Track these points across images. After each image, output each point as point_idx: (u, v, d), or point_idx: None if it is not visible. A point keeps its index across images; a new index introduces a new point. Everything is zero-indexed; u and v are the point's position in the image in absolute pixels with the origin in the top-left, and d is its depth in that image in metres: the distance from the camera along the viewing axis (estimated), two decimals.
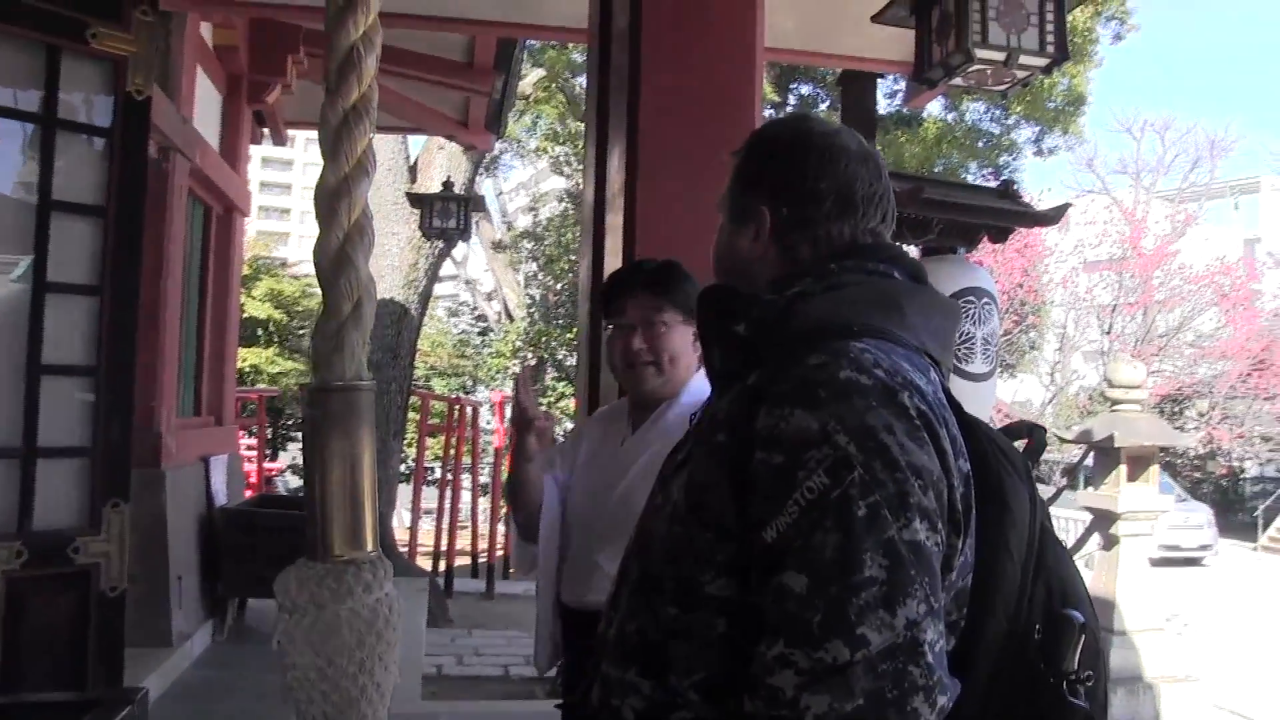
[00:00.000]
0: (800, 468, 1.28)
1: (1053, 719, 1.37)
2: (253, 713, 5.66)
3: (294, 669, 1.76)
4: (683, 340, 2.76)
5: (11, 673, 3.72)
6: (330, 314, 1.88)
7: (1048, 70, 4.27)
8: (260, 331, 20.32)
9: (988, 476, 1.42)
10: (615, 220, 4.13)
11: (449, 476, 13.29)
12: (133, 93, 4.01)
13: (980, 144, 20.82)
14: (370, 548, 1.80)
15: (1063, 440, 9.03)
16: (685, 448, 1.53)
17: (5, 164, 3.99)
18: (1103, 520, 6.86)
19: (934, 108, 19.94)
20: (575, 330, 19.22)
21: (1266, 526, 26.45)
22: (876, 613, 1.21)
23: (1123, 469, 6.73)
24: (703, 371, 2.72)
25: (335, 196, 1.91)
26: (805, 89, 20.62)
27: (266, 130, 9.85)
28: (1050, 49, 4.13)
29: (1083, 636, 1.39)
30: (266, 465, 14.66)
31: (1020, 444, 1.55)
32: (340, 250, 1.90)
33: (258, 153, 9.33)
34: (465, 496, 13.99)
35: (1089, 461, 7.43)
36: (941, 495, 1.30)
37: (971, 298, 4.46)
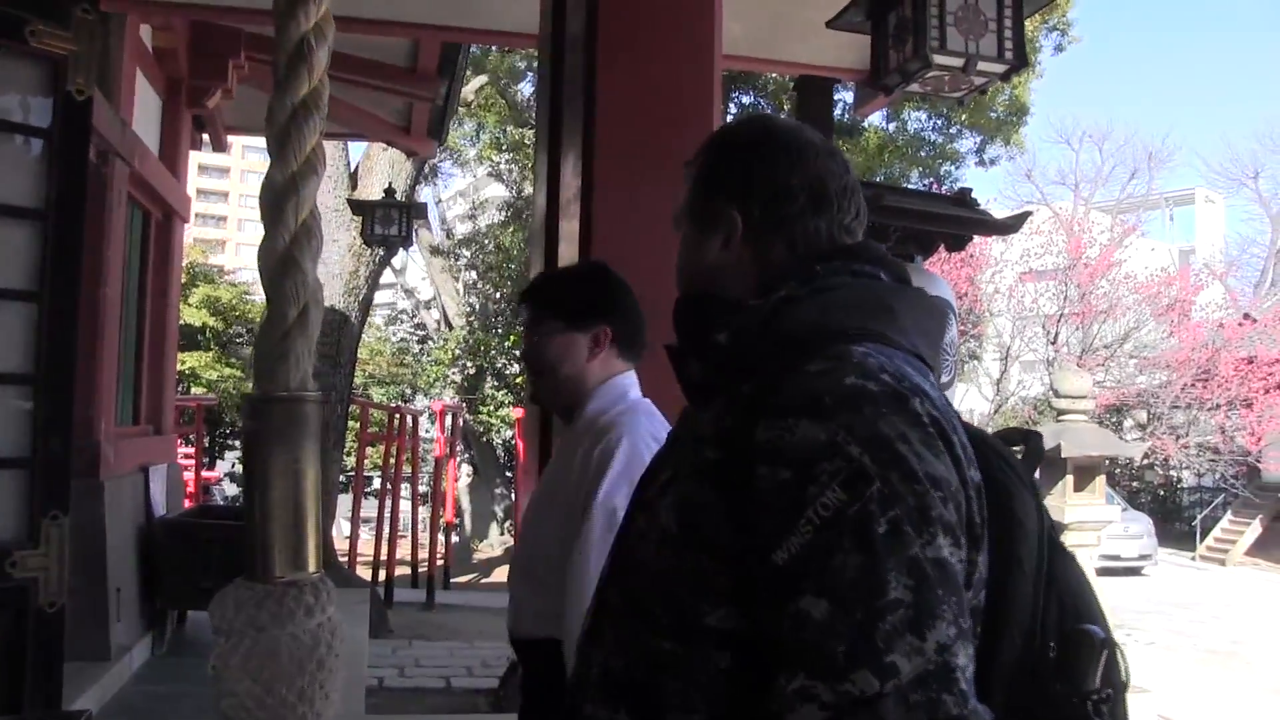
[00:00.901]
0: (811, 483, 1.17)
1: None
2: None
3: (230, 696, 1.67)
4: (565, 348, 2.63)
5: None
6: (274, 320, 1.78)
7: (1006, 77, 4.26)
8: (198, 338, 20.09)
9: (995, 487, 1.33)
10: (570, 228, 4.06)
11: (389, 486, 13.21)
12: (73, 93, 3.88)
13: (922, 153, 21.04)
14: (313, 569, 1.71)
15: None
16: (667, 467, 1.42)
17: None
18: None
19: (875, 118, 20.16)
20: (515, 338, 19.16)
21: (1204, 536, 26.93)
22: (905, 638, 1.10)
23: (1069, 480, 6.76)
24: (618, 381, 2.64)
25: (282, 196, 1.81)
26: (746, 99, 20.69)
27: (206, 136, 9.73)
28: (1008, 55, 4.12)
29: (1104, 652, 1.30)
30: (204, 474, 14.47)
31: (1015, 450, 1.47)
32: (286, 253, 1.80)
33: (195, 159, 9.19)
34: (405, 506, 13.89)
35: (1035, 473, 7.49)
36: (960, 507, 1.21)
37: None
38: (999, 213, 5.18)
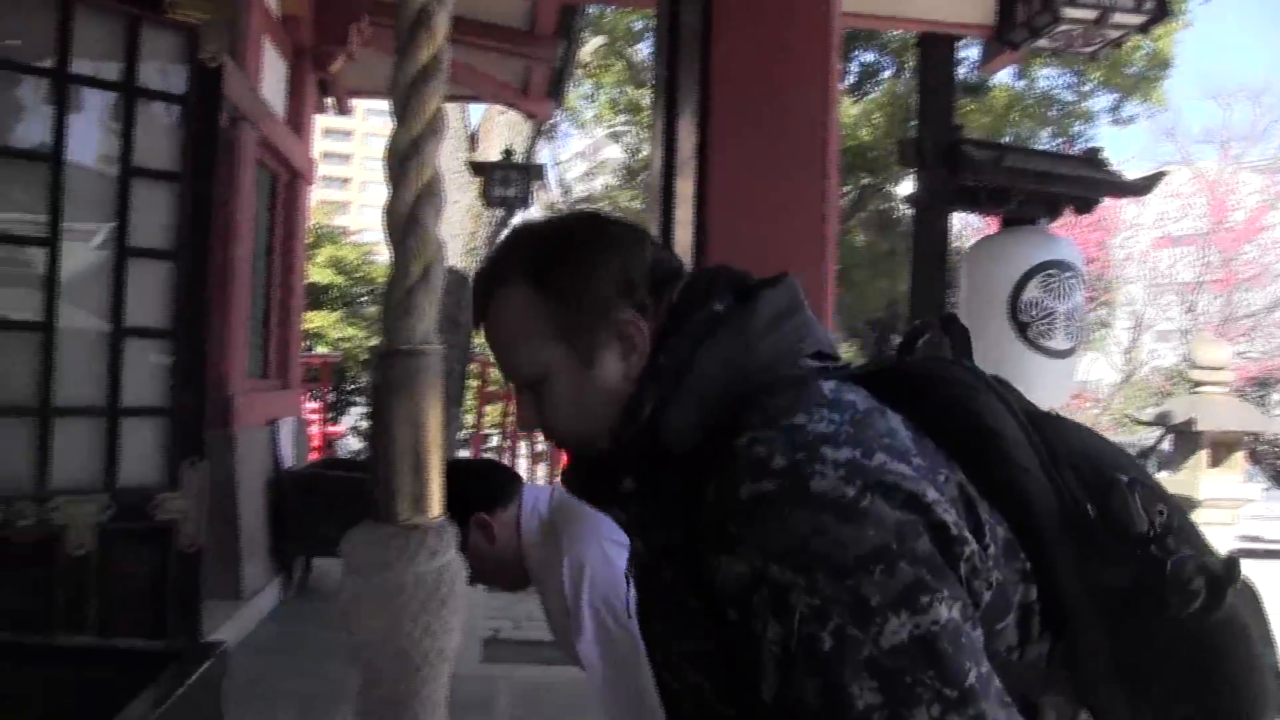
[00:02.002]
0: (755, 618, 1.15)
1: (1166, 585, 1.22)
2: (320, 669, 5.75)
3: (358, 631, 1.76)
4: (475, 557, 2.60)
5: (102, 618, 3.87)
6: (399, 277, 1.87)
7: (1144, 29, 4.04)
8: (323, 297, 20.51)
9: (959, 413, 1.30)
10: (685, 187, 4.09)
11: (507, 443, 13.36)
12: (206, 61, 4.07)
13: (1053, 112, 20.16)
14: (436, 513, 1.81)
15: (1137, 423, 8.76)
16: (656, 615, 1.38)
17: (88, 132, 4.08)
18: None
19: (1003, 76, 19.44)
20: None
21: None
22: None
23: (1204, 454, 6.49)
24: (526, 518, 2.56)
25: (405, 158, 1.89)
26: (868, 56, 20.33)
27: (330, 99, 9.92)
28: (1147, 5, 3.91)
29: (1135, 490, 1.26)
30: (329, 429, 14.82)
31: (926, 341, 1.43)
32: (410, 212, 1.88)
33: (320, 123, 9.40)
34: (523, 464, 14.07)
35: (1165, 446, 7.18)
36: (916, 550, 1.13)
37: (1053, 270, 4.29)
38: (1134, 174, 4.99)
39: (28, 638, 2.84)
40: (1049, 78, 19.93)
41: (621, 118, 21.80)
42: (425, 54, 1.89)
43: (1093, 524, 1.24)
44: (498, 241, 1.45)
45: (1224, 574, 1.22)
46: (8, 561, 3.71)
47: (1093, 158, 4.69)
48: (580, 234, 1.40)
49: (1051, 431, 1.32)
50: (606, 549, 2.38)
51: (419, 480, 1.79)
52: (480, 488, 2.60)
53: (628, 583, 1.50)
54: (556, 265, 1.37)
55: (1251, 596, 1.34)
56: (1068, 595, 1.24)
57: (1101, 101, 20.39)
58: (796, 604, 1.11)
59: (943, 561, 1.14)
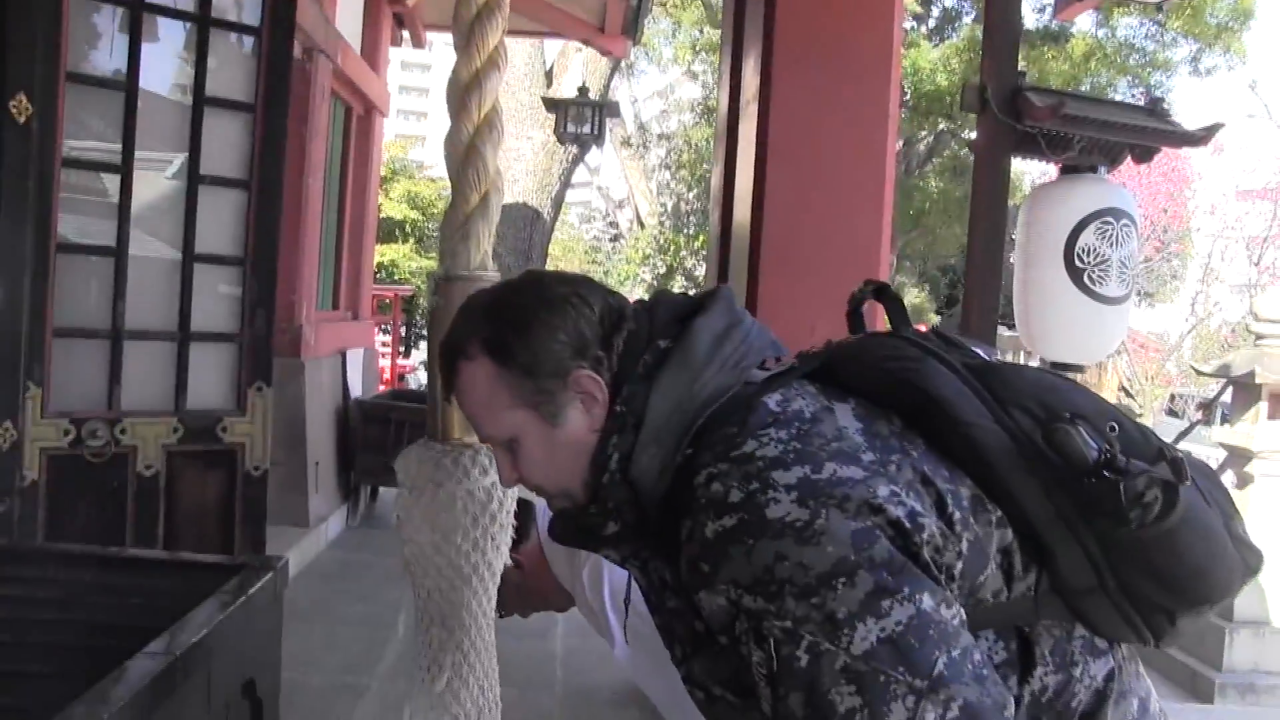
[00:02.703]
0: (741, 644, 1.25)
1: (1124, 505, 1.29)
2: (383, 594, 5.91)
3: (411, 543, 1.84)
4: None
5: (170, 536, 4.01)
6: (457, 205, 1.93)
7: None
8: (397, 232, 20.66)
9: (905, 388, 1.37)
10: (748, 127, 4.11)
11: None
12: None
13: (1131, 61, 19.88)
14: None
15: (1199, 373, 8.65)
16: (675, 639, 1.45)
17: (163, 62, 4.15)
18: (1237, 459, 6.58)
19: (1084, 23, 19.14)
20: (703, 238, 19.18)
21: None
22: None
23: (1263, 406, 6.44)
24: None
25: (467, 91, 1.95)
26: (949, 0, 20.04)
27: (406, 33, 9.95)
28: None
29: (1076, 424, 1.33)
30: (400, 362, 14.98)
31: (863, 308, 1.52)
32: (469, 143, 1.94)
33: (396, 56, 9.45)
34: None
35: (1226, 398, 7.10)
36: (875, 555, 1.21)
37: (1110, 218, 4.32)
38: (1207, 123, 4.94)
39: (100, 548, 2.96)
40: (1129, 27, 19.60)
41: (699, 56, 21.66)
42: None
43: (1048, 458, 1.32)
44: (455, 317, 1.50)
45: (1175, 476, 1.30)
46: (81, 478, 3.83)
47: (1154, 108, 4.68)
48: (530, 304, 1.44)
49: (995, 380, 1.38)
50: None
51: None
52: None
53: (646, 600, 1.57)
54: (512, 339, 1.41)
55: (1205, 477, 1.42)
56: (1041, 526, 1.33)
57: (1181, 51, 20.08)
58: (770, 630, 1.21)
59: (903, 558, 1.22)
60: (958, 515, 1.29)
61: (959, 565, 1.28)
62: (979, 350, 1.46)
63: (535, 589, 2.64)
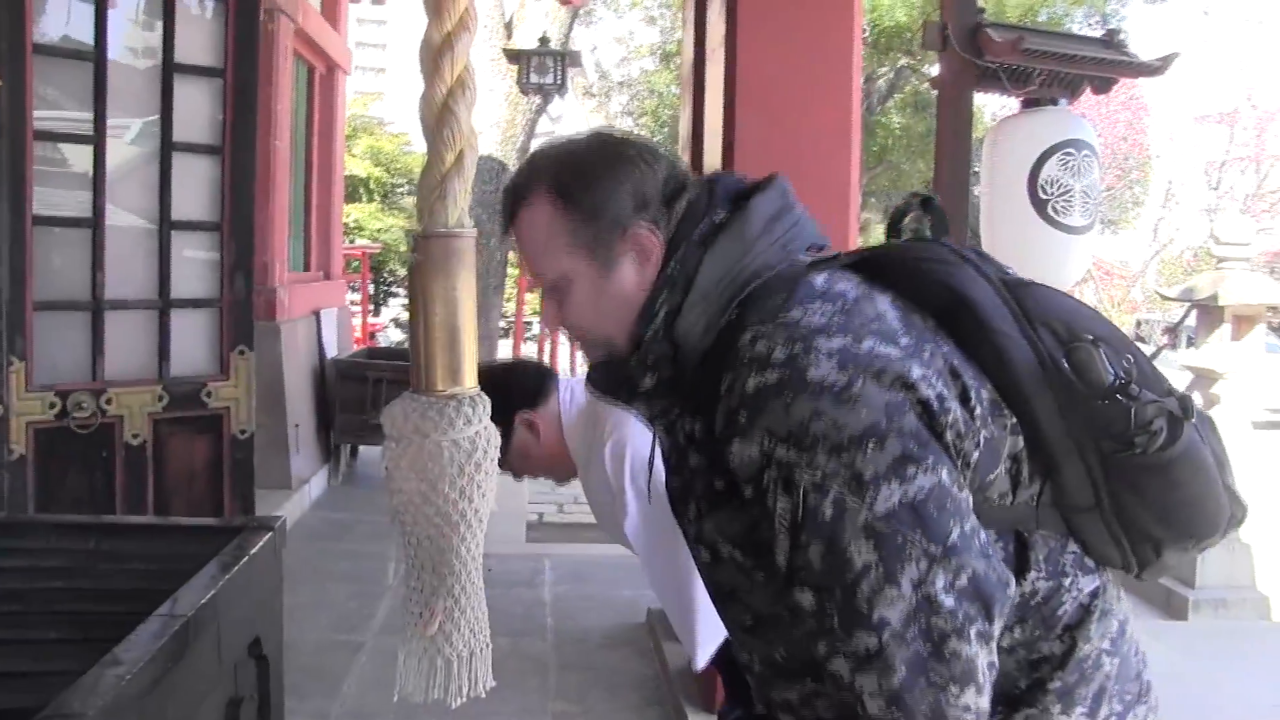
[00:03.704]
0: (766, 494, 1.31)
1: (1131, 429, 1.38)
2: (368, 551, 6.00)
3: (399, 493, 1.89)
4: (520, 448, 2.71)
5: (160, 503, 4.06)
6: (433, 164, 1.97)
7: None
8: (361, 189, 20.55)
9: (941, 288, 1.43)
10: (715, 73, 4.14)
11: (547, 331, 13.46)
12: None
13: None
14: (470, 384, 1.91)
15: (1163, 298, 8.76)
16: (689, 497, 1.51)
17: (129, 30, 4.15)
18: (1203, 380, 6.66)
19: None
20: None
21: None
22: (883, 593, 1.25)
23: (1226, 328, 6.54)
24: (565, 406, 2.72)
25: (439, 53, 1.98)
26: None
27: None
28: None
29: (1099, 346, 1.40)
30: (370, 320, 14.99)
31: (913, 221, 1.57)
32: (443, 104, 1.97)
33: (353, 12, 9.38)
34: (563, 350, 14.20)
35: (1191, 320, 7.21)
36: (903, 425, 1.28)
37: (1071, 150, 4.37)
38: (1164, 53, 5.01)
39: (99, 517, 3.00)
40: None
41: (656, 0, 21.54)
42: None
43: (1066, 376, 1.39)
44: (523, 159, 1.58)
45: (1181, 412, 1.39)
46: (69, 450, 3.87)
47: (1111, 40, 4.73)
48: (599, 154, 1.51)
49: (1027, 296, 1.44)
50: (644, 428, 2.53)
51: (454, 354, 1.91)
52: (519, 388, 2.75)
53: (650, 469, 1.68)
54: (577, 184, 1.48)
55: (1208, 425, 1.50)
56: (1051, 441, 1.41)
57: None
58: (800, 480, 1.28)
59: (929, 434, 1.30)
60: (979, 410, 1.36)
61: (975, 455, 1.35)
62: (1010, 269, 1.51)
63: (542, 455, 2.73)
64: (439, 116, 1.97)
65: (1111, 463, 1.40)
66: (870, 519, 1.25)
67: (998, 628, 1.30)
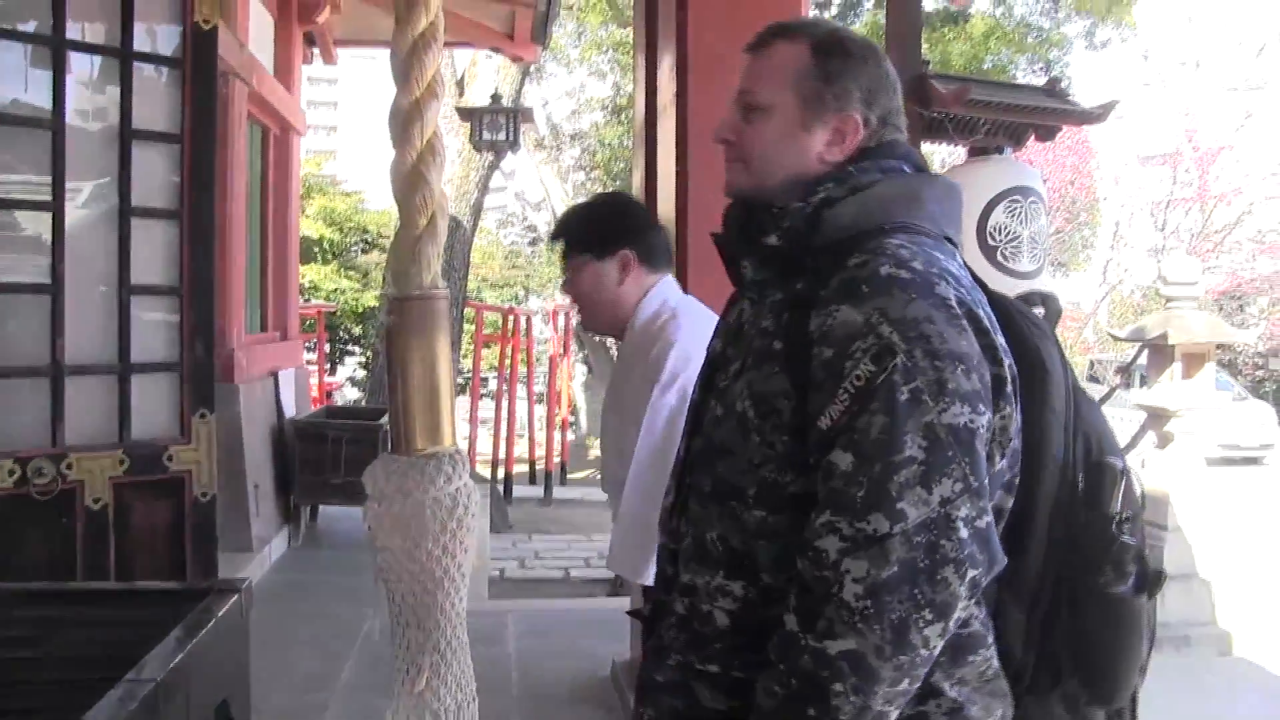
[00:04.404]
0: (848, 358, 1.39)
1: (1107, 559, 1.48)
2: (331, 612, 5.95)
3: (384, 551, 1.91)
4: (595, 277, 2.85)
5: (122, 567, 4.01)
6: (407, 229, 2.01)
7: None
8: (315, 249, 20.48)
9: (1024, 343, 1.52)
10: (667, 128, 4.21)
11: (505, 386, 13.49)
12: (200, 23, 4.15)
13: (1030, 38, 20.31)
14: (449, 442, 1.94)
15: (1115, 339, 8.91)
16: (735, 356, 1.60)
17: (86, 97, 4.15)
18: (1156, 419, 6.77)
19: (982, 3, 19.53)
20: None
21: None
22: (914, 489, 1.32)
23: (1177, 366, 6.65)
24: (655, 292, 2.83)
25: (408, 119, 2.02)
26: None
27: (316, 50, 9.94)
28: None
29: (1123, 479, 1.51)
30: (326, 380, 14.93)
31: (1038, 311, 1.65)
32: (414, 169, 2.02)
33: (304, 71, 9.43)
34: (521, 406, 14.20)
35: (1143, 360, 7.35)
36: (984, 376, 1.40)
37: (1018, 196, 4.46)
38: (1110, 97, 5.17)
39: (64, 584, 2.98)
40: (1026, 4, 20.12)
41: (606, 55, 21.74)
42: (423, 21, 2.03)
43: (1076, 487, 1.50)
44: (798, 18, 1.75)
45: (1153, 577, 1.52)
46: (29, 517, 3.82)
47: (1053, 88, 4.86)
48: (866, 48, 1.65)
49: (1083, 402, 1.56)
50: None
51: (433, 413, 1.95)
52: (646, 237, 2.89)
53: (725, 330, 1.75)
54: (836, 51, 1.61)
55: (1154, 608, 1.59)
56: (1033, 522, 1.49)
57: (1076, 27, 20.58)
58: (893, 359, 1.37)
59: (998, 401, 1.44)
60: (1014, 443, 1.47)
61: (997, 459, 1.45)
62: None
63: (610, 296, 2.87)
64: (410, 181, 2.01)
65: (1070, 575, 1.50)
66: (935, 421, 1.35)
67: (981, 585, 1.37)
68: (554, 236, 3.03)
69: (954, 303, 1.41)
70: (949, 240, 1.59)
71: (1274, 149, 25.12)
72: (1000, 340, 1.46)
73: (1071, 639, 1.50)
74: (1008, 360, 1.46)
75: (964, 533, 1.33)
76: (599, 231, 2.88)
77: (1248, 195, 24.65)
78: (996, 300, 1.57)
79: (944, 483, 1.33)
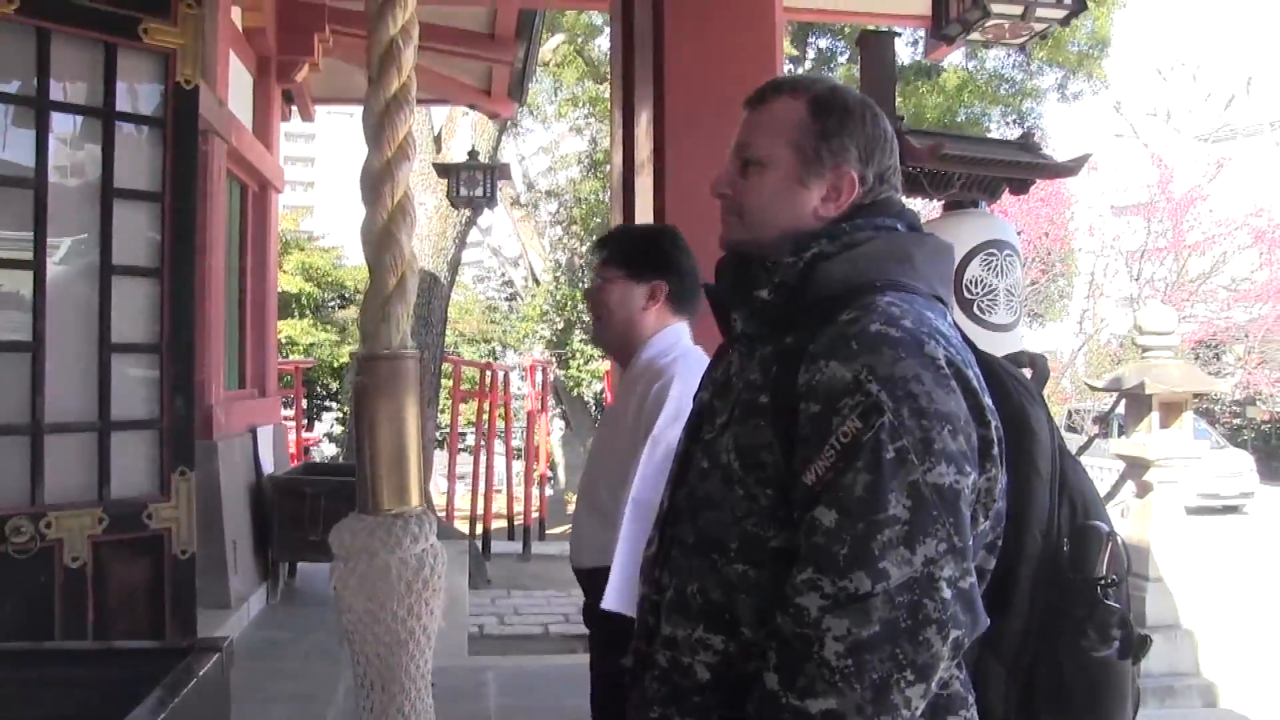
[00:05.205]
0: (835, 414, 1.39)
1: (1091, 622, 1.49)
2: (310, 670, 5.90)
3: (349, 612, 1.92)
4: (623, 294, 2.86)
5: (100, 626, 4.00)
6: (376, 288, 2.03)
7: (1065, 21, 4.26)
8: (293, 304, 20.51)
9: (1010, 405, 1.53)
10: (645, 184, 4.26)
11: (483, 442, 13.44)
12: (181, 83, 4.20)
13: (1003, 91, 20.55)
14: (416, 503, 1.96)
15: (1093, 389, 8.93)
16: (722, 409, 1.60)
17: (69, 156, 4.19)
18: (1135, 468, 6.77)
19: (955, 56, 19.65)
20: None
21: None
22: (898, 549, 1.32)
23: (1155, 416, 6.66)
24: (672, 330, 2.85)
25: (379, 180, 2.06)
26: (823, 42, 20.55)
27: (294, 107, 10.00)
28: (1068, 0, 4.16)
29: (1109, 544, 1.52)
30: (304, 435, 14.87)
31: (1025, 372, 1.66)
32: (385, 229, 2.05)
33: (281, 128, 9.49)
34: (499, 461, 14.15)
35: (1120, 410, 7.38)
36: (970, 437, 1.41)
37: (994, 250, 4.51)
38: (1083, 148, 5.25)
39: (43, 644, 2.97)
40: (998, 58, 20.28)
41: (582, 111, 21.90)
42: (395, 84, 2.07)
43: (1061, 549, 1.52)
44: (797, 77, 1.76)
45: (1138, 643, 1.52)
46: (6, 576, 3.82)
47: (1027, 142, 4.93)
48: (863, 104, 1.67)
49: (1069, 465, 1.58)
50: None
51: (400, 473, 1.96)
52: (687, 280, 2.88)
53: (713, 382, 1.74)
54: (835, 108, 1.63)
55: (1136, 674, 1.61)
56: (1017, 585, 1.51)
57: (1048, 79, 20.89)
58: (880, 417, 1.37)
59: (983, 463, 1.43)
60: (998, 505, 1.47)
61: (981, 519, 1.45)
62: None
63: (627, 317, 2.87)
64: (380, 241, 2.04)
65: (1054, 638, 1.50)
66: (920, 481, 1.35)
67: (964, 646, 1.37)
68: (600, 244, 3.05)
69: (943, 362, 1.42)
70: (939, 299, 1.60)
71: (1246, 198, 25.35)
72: (988, 401, 1.47)
73: (1053, 700, 1.51)
74: (994, 421, 1.47)
75: (947, 593, 1.33)
76: (645, 253, 2.90)
77: (1221, 244, 24.76)
78: (984, 360, 1.58)
79: (928, 543, 1.33)
